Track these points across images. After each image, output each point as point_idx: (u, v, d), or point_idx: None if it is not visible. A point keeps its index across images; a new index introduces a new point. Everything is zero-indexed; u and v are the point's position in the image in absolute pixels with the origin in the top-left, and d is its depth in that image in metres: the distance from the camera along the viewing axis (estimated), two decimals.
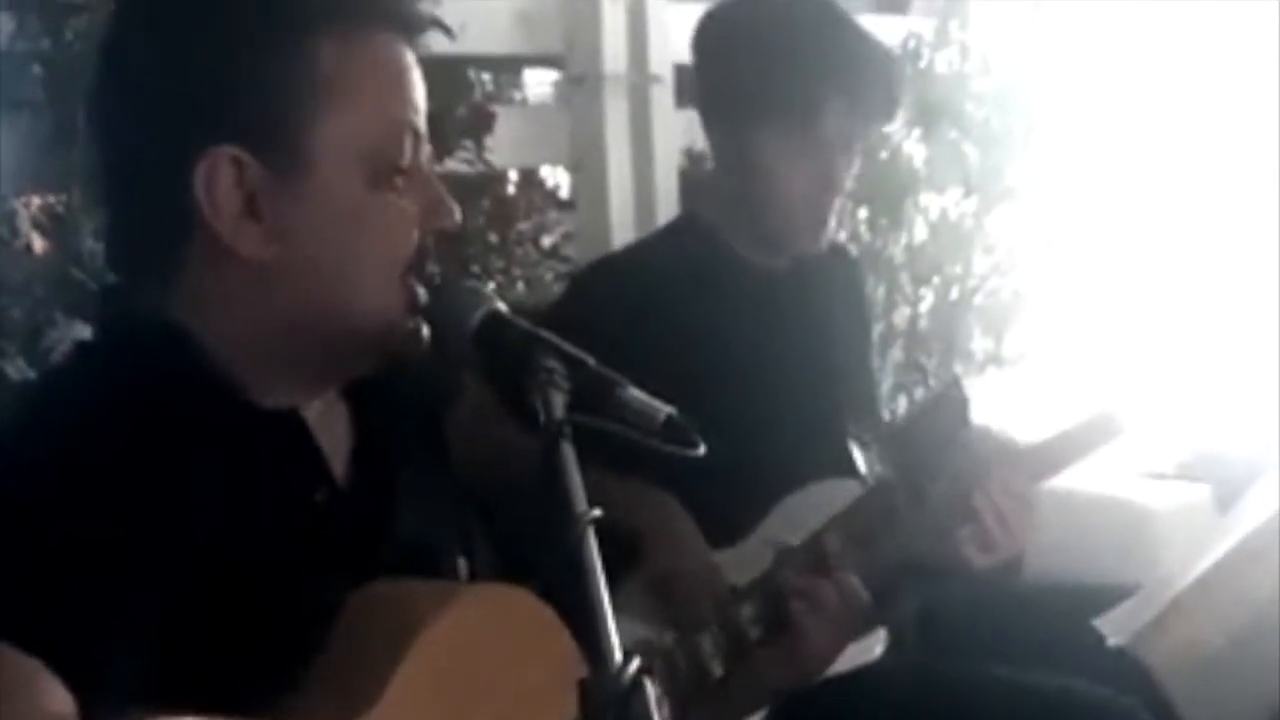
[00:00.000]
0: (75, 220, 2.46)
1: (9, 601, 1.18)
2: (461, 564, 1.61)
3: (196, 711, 1.15)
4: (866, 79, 2.41)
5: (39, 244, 2.67)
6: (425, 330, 1.49)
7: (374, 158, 1.44)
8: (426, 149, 1.51)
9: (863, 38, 2.43)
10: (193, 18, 1.43)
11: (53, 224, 2.63)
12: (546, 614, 1.46)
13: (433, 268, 1.50)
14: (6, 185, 2.55)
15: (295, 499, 1.47)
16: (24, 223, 2.67)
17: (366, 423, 1.57)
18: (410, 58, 1.50)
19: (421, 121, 1.50)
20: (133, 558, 1.27)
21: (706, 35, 2.49)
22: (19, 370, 2.34)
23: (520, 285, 3.39)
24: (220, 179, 1.40)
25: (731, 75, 2.43)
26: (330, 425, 1.53)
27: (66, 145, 2.41)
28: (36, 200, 2.67)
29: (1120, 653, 2.32)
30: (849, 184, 2.48)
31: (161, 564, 1.29)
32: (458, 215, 1.52)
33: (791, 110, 2.37)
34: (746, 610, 2.03)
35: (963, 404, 2.24)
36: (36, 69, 2.51)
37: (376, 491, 1.54)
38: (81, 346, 1.57)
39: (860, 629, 2.17)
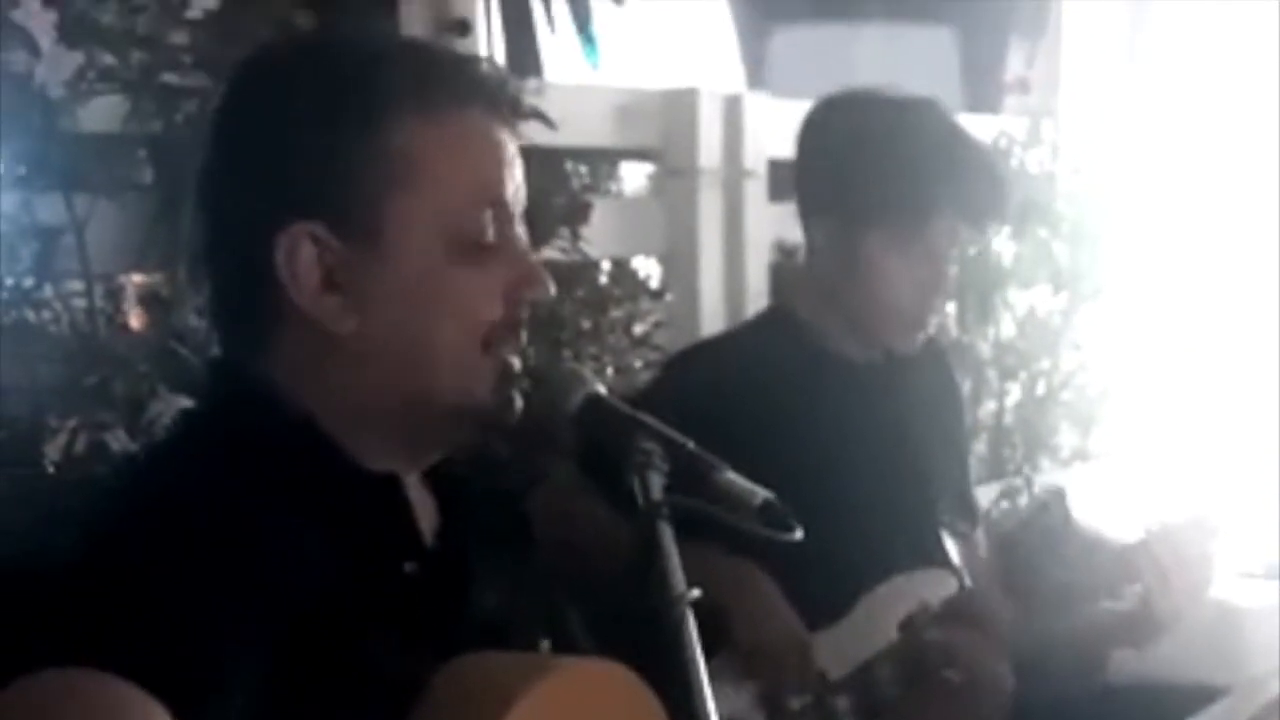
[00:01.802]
0: (180, 297, 2.49)
1: (123, 659, 1.19)
2: (544, 645, 1.60)
3: None
4: (977, 186, 2.40)
5: (136, 320, 2.73)
6: (519, 401, 1.49)
7: (454, 233, 1.45)
8: (516, 222, 1.50)
9: (972, 144, 2.43)
10: (269, 98, 1.46)
11: (153, 302, 2.68)
12: (641, 689, 1.46)
13: (523, 338, 1.50)
14: (112, 263, 2.60)
15: (387, 566, 1.47)
16: (128, 300, 2.73)
17: (449, 504, 1.57)
18: (497, 132, 1.49)
19: (510, 195, 1.49)
20: (239, 619, 1.27)
21: (815, 132, 2.49)
22: (120, 442, 2.37)
23: (609, 371, 3.42)
24: (300, 255, 1.42)
25: (841, 175, 2.43)
26: (421, 500, 1.54)
27: (170, 226, 2.45)
28: (136, 278, 2.73)
29: None
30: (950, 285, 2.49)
31: (263, 625, 1.29)
32: (550, 287, 1.51)
33: (903, 214, 2.38)
34: (842, 703, 2.03)
35: (1065, 518, 2.25)
36: (141, 152, 2.57)
37: (458, 571, 1.53)
38: (187, 414, 1.59)
39: None
